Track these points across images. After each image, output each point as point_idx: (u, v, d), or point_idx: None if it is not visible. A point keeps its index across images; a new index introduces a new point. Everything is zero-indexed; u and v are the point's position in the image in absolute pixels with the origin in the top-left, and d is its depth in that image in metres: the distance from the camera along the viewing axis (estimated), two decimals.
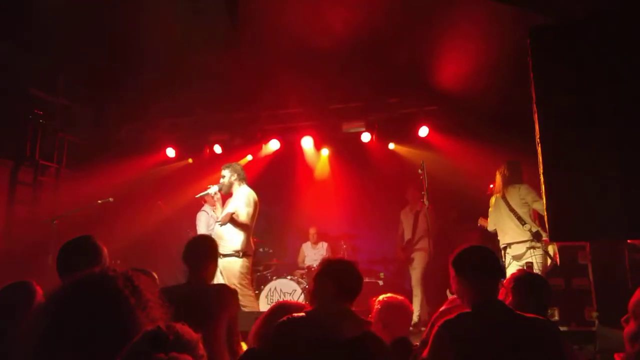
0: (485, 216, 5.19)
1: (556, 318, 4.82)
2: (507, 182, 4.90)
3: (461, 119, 6.45)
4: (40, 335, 0.88)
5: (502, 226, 4.88)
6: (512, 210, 4.77)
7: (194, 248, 2.99)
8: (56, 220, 5.25)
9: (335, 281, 2.19)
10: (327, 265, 2.31)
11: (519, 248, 4.72)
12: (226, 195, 4.99)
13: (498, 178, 5.00)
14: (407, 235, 6.58)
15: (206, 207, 6.23)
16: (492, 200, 5.07)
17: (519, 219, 4.72)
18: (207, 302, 2.73)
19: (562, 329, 4.52)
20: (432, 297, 6.12)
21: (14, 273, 3.36)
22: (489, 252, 2.21)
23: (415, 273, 6.36)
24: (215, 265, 3.06)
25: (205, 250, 3.01)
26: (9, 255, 5.54)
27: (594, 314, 4.86)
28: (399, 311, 2.69)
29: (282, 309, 2.40)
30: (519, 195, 4.79)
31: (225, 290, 2.94)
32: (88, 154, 7.30)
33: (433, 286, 5.98)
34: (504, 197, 4.88)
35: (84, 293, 0.93)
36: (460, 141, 6.36)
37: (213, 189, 4.84)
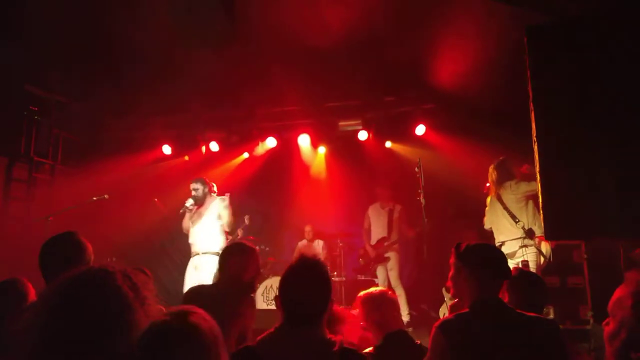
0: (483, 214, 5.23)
1: (551, 316, 4.83)
2: (498, 183, 4.94)
3: (458, 117, 6.46)
4: (38, 332, 0.87)
5: (497, 225, 4.93)
6: (505, 208, 4.82)
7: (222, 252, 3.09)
8: (51, 217, 5.22)
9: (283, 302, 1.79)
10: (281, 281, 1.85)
11: (512, 246, 4.74)
12: (200, 206, 5.52)
13: (490, 182, 5.06)
14: (379, 232, 6.66)
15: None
16: (488, 200, 5.12)
17: (513, 217, 4.75)
18: (219, 306, 2.66)
19: None
20: (428, 296, 6.14)
21: (8, 270, 3.34)
22: (501, 252, 2.18)
23: (393, 273, 6.46)
24: (239, 259, 2.94)
25: (228, 250, 3.06)
26: (4, 252, 5.50)
27: (589, 313, 4.89)
28: (390, 305, 2.63)
29: None
30: (511, 192, 4.82)
31: (237, 299, 2.78)
32: (83, 150, 7.26)
33: (429, 285, 6.00)
34: (498, 197, 4.92)
35: (83, 289, 0.92)
36: (458, 139, 6.36)
37: (189, 202, 5.44)
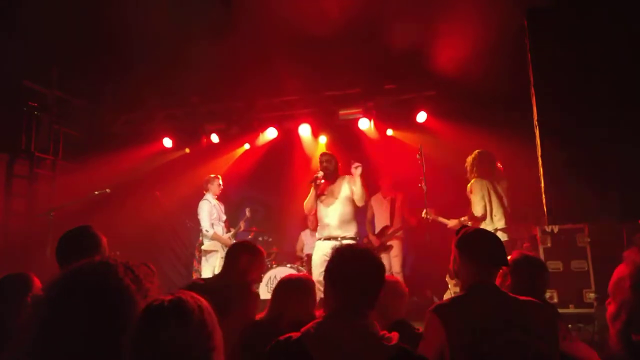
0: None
1: (555, 300, 4.85)
2: (491, 172, 4.90)
3: (459, 103, 6.42)
4: (40, 323, 0.87)
5: (497, 210, 4.82)
6: (501, 198, 4.82)
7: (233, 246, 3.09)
8: (53, 212, 5.23)
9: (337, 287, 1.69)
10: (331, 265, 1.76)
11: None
12: (328, 182, 5.16)
13: (486, 167, 4.95)
14: (382, 222, 6.67)
15: (208, 196, 6.20)
16: (474, 184, 4.91)
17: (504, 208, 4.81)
18: (221, 299, 2.65)
19: (560, 310, 4.56)
20: (432, 283, 6.16)
21: (12, 266, 3.35)
22: (497, 240, 2.15)
23: (397, 260, 6.49)
24: (248, 256, 2.90)
25: (236, 245, 3.06)
26: (7, 248, 5.53)
27: (592, 296, 4.90)
28: (392, 292, 2.61)
29: (288, 283, 2.44)
30: (501, 185, 4.88)
31: (242, 292, 2.80)
32: (84, 145, 7.27)
33: (432, 272, 6.01)
34: (493, 184, 4.86)
35: (85, 280, 0.92)
36: (459, 126, 6.33)
37: (320, 174, 5.09)
